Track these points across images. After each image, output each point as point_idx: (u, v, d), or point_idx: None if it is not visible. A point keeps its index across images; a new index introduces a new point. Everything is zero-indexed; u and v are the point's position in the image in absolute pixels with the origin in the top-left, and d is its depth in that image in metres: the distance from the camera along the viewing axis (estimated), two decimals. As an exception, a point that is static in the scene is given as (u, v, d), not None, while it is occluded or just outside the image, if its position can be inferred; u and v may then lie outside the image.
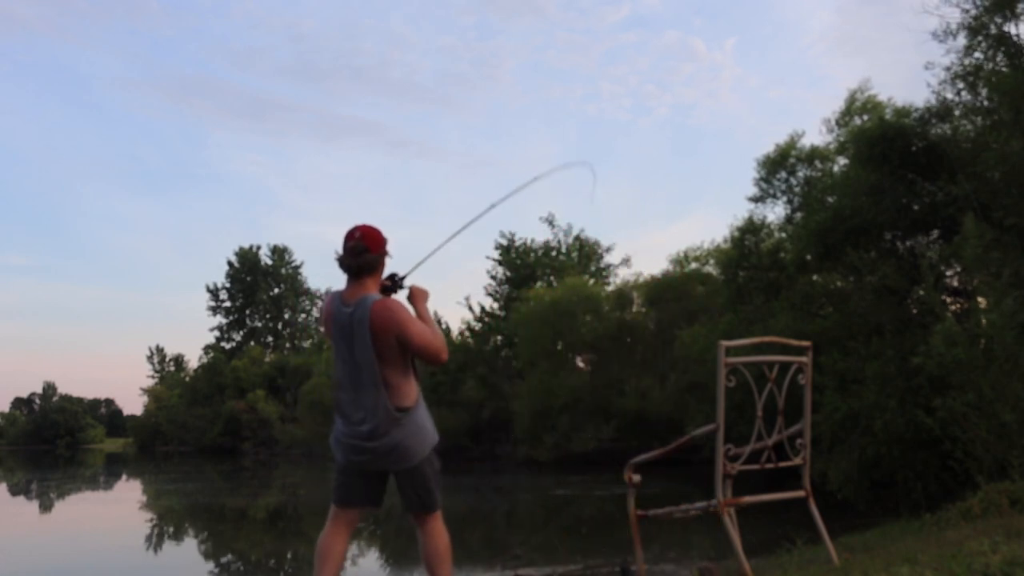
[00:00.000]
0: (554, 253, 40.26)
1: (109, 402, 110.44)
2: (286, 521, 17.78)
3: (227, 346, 72.37)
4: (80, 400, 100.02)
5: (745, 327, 15.48)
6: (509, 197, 4.13)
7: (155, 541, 14.24)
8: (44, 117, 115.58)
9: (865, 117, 15.66)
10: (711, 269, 26.72)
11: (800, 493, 4.59)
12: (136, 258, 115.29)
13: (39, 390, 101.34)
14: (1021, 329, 9.48)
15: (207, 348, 72.74)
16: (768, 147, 21.65)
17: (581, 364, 32.20)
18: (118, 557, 12.14)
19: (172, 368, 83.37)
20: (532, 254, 40.13)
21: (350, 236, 3.44)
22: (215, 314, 73.92)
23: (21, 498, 25.48)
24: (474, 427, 35.64)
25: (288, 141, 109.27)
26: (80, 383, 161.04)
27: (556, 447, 28.81)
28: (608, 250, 41.14)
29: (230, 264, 73.89)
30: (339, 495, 3.51)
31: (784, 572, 4.99)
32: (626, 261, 40.90)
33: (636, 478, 4.68)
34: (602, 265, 40.78)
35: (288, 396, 55.21)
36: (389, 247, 3.53)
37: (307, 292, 74.01)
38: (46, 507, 22.04)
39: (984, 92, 12.90)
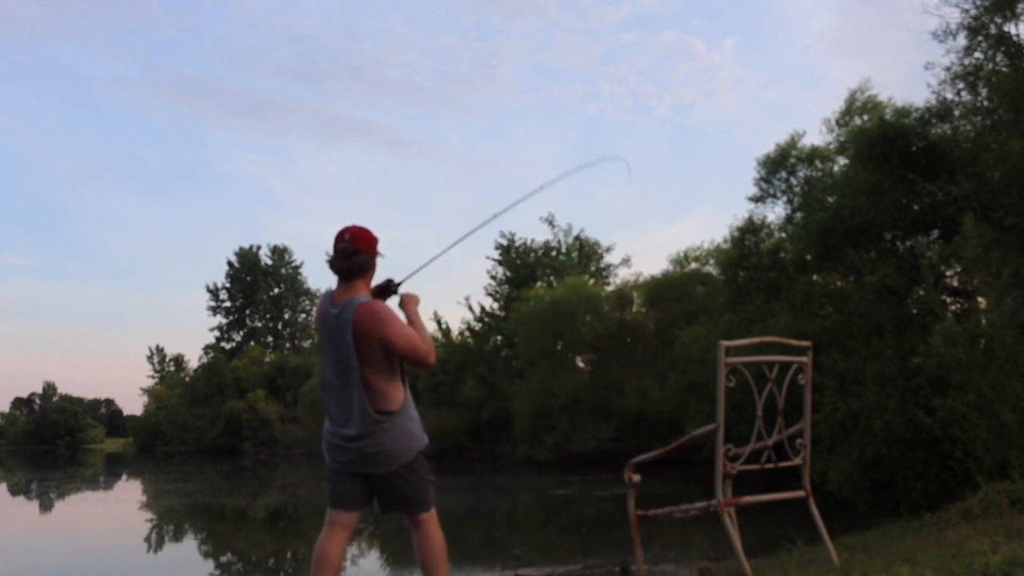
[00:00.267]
0: (554, 253, 40.25)
1: (109, 402, 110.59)
2: (286, 521, 17.78)
3: (227, 346, 72.37)
4: (80, 400, 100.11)
5: (745, 327, 15.48)
6: (531, 196, 4.14)
7: (155, 541, 14.23)
8: (44, 117, 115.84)
9: (865, 117, 15.65)
10: (711, 269, 26.71)
11: (800, 493, 4.59)
12: (136, 258, 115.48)
13: (39, 390, 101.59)
14: (1021, 329, 9.48)
15: (207, 348, 72.78)
16: (768, 147, 21.68)
17: (581, 364, 32.20)
18: (118, 557, 12.13)
19: (172, 368, 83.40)
20: (532, 254, 40.12)
21: (340, 237, 3.43)
22: (215, 314, 74.02)
23: (21, 498, 25.48)
24: (474, 427, 35.66)
25: (288, 141, 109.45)
26: (80, 383, 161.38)
27: (556, 447, 28.80)
28: (608, 250, 41.19)
29: (230, 264, 73.93)
30: (332, 498, 3.50)
31: (784, 572, 4.99)
32: (626, 261, 40.95)
33: (636, 478, 4.68)
34: (602, 265, 40.78)
35: (288, 396, 55.22)
36: (380, 247, 3.51)
37: (307, 292, 74.02)
38: (46, 507, 22.03)
39: (984, 92, 12.89)
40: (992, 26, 12.40)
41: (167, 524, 16.95)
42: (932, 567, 3.61)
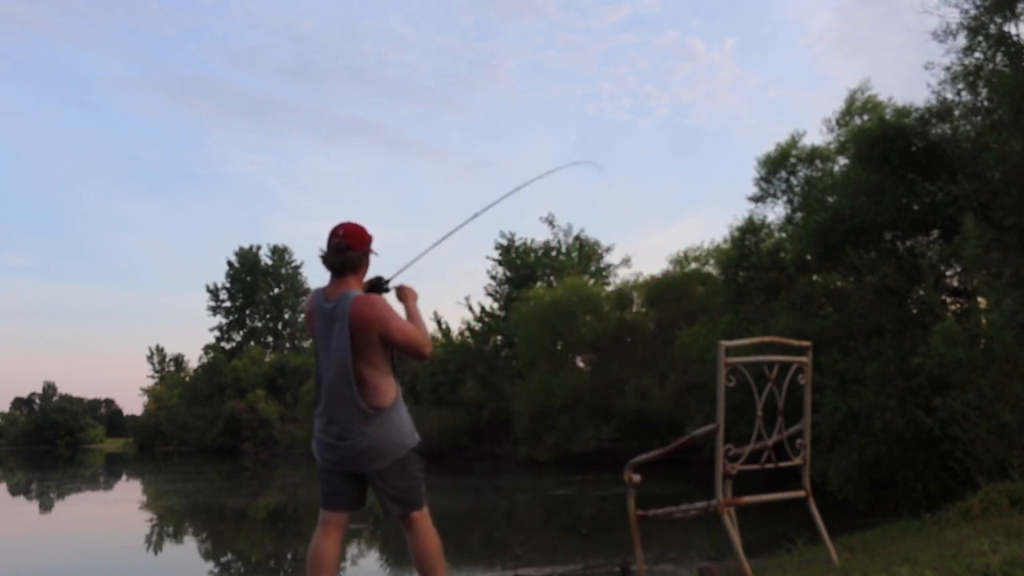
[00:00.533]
0: (554, 253, 40.26)
1: (109, 402, 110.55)
2: (286, 521, 17.77)
3: (227, 346, 72.37)
4: (80, 400, 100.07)
5: (745, 327, 15.47)
6: (504, 198, 4.15)
7: (155, 541, 14.24)
8: (44, 117, 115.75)
9: (865, 117, 15.65)
10: (711, 269, 26.71)
11: (800, 493, 4.59)
12: (136, 258, 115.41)
13: (39, 390, 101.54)
14: (1021, 329, 9.48)
15: (207, 348, 72.75)
16: (768, 147, 21.67)
17: (581, 364, 32.20)
18: (118, 557, 12.13)
19: (172, 368, 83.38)
20: (532, 254, 40.12)
21: (334, 234, 3.45)
22: (215, 314, 74.03)
23: (21, 498, 25.48)
24: (474, 427, 35.66)
25: (288, 141, 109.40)
26: (80, 383, 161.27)
27: (556, 447, 28.81)
28: (608, 250, 41.20)
29: (230, 264, 73.95)
30: (324, 498, 3.48)
31: (784, 572, 4.99)
32: (626, 261, 40.96)
33: (636, 478, 4.68)
34: (602, 265, 40.79)
35: (288, 396, 55.22)
36: (375, 245, 3.52)
37: (307, 292, 73.84)
38: (46, 507, 22.04)
39: (984, 92, 12.90)
40: (992, 26, 12.40)
41: (167, 524, 16.95)
42: (932, 567, 3.61)
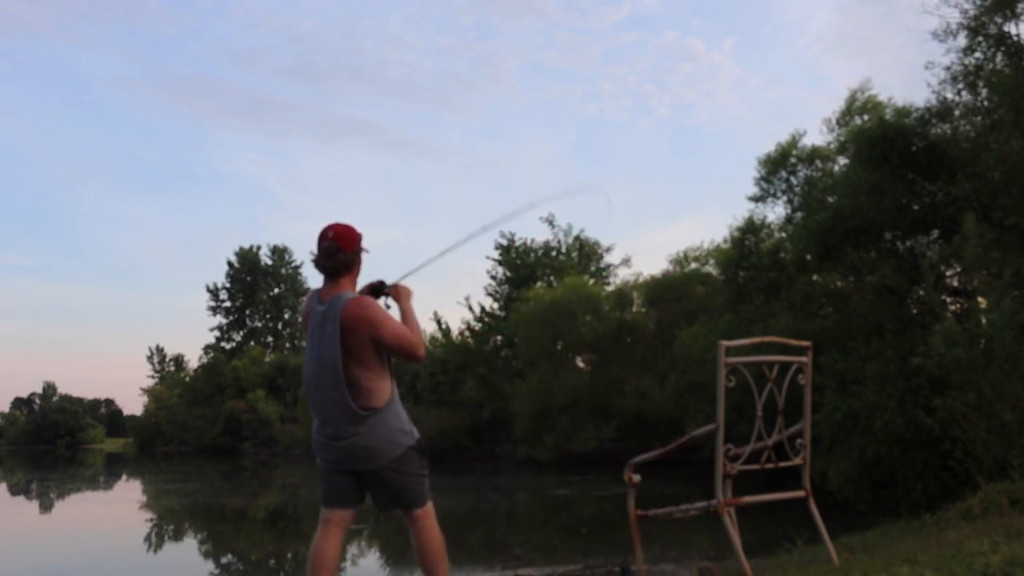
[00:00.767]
0: (554, 253, 40.24)
1: (109, 402, 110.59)
2: (286, 521, 17.77)
3: (227, 346, 72.32)
4: (80, 400, 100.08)
5: (745, 327, 15.48)
6: (515, 214, 4.18)
7: (155, 541, 14.23)
8: (44, 117, 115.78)
9: (865, 117, 15.65)
10: (711, 269, 26.71)
11: (800, 493, 4.59)
12: (136, 258, 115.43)
13: (39, 390, 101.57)
14: (1021, 329, 9.48)
15: (207, 348, 72.73)
16: (768, 147, 21.69)
17: (581, 364, 32.20)
18: (118, 557, 12.13)
19: (172, 368, 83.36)
20: (532, 254, 40.11)
21: (323, 237, 3.43)
22: (215, 314, 73.96)
23: (21, 498, 25.47)
24: (474, 427, 35.67)
25: (288, 141, 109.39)
26: (80, 383, 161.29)
27: (556, 447, 28.81)
28: (608, 250, 41.17)
29: (230, 264, 73.91)
30: (325, 497, 3.50)
31: (784, 572, 4.99)
32: (626, 261, 40.93)
33: (636, 478, 4.68)
34: (602, 265, 40.78)
35: (288, 396, 55.22)
36: (367, 244, 3.51)
37: (307, 292, 73.51)
38: (46, 507, 22.03)
39: (984, 92, 12.90)
40: (992, 26, 12.41)
41: (167, 524, 16.95)
42: (932, 567, 3.61)
